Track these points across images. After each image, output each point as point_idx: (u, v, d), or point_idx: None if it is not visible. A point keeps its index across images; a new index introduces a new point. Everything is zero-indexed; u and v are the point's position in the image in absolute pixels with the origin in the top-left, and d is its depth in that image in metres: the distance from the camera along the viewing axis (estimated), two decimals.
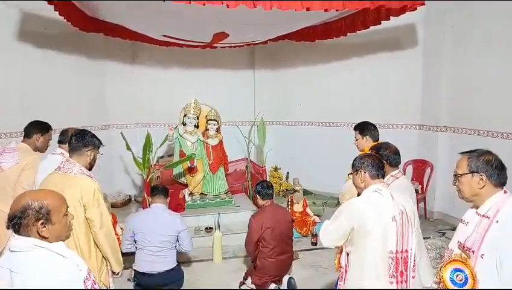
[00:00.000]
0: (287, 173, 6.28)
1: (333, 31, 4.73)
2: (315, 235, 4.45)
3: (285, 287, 3.42)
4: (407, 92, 5.58)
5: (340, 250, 2.14)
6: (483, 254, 1.56)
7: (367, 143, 2.92)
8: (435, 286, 1.78)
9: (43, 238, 1.42)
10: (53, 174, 2.30)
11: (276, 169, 6.23)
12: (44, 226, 1.41)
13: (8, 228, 1.40)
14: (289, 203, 4.95)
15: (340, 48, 5.75)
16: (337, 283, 2.28)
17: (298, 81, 6.36)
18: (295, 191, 4.98)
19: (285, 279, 3.46)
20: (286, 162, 6.31)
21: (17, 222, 1.38)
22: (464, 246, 1.66)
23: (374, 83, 5.76)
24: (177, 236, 3.31)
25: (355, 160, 2.15)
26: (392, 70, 5.59)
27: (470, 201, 1.73)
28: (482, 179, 1.64)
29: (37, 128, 3.07)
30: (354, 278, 2.01)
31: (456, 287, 1.63)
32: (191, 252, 3.63)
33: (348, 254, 2.06)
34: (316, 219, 4.80)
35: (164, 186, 3.62)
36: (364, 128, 2.99)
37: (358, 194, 2.11)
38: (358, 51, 5.78)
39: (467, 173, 1.68)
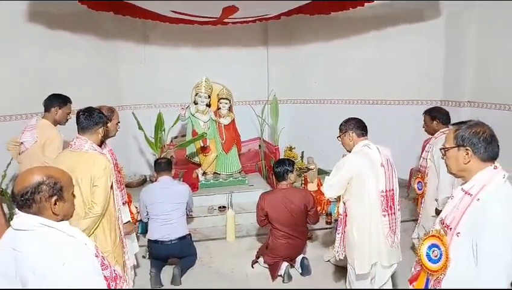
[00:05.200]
0: (302, 152, 6.16)
1: (350, 2, 4.48)
2: (329, 215, 4.38)
3: (299, 267, 3.39)
4: (428, 65, 5.30)
5: (338, 201, 2.64)
6: (459, 233, 1.46)
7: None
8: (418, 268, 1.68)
9: (55, 215, 1.39)
10: (65, 152, 2.40)
11: (290, 148, 6.12)
12: (56, 203, 1.39)
13: (18, 204, 1.35)
14: (303, 182, 4.87)
15: (356, 21, 5.47)
16: (336, 228, 2.66)
17: (313, 57, 6.12)
18: (309, 169, 4.89)
19: (298, 259, 3.42)
20: (301, 142, 6.17)
21: (30, 197, 1.33)
22: (443, 222, 1.57)
23: (393, 57, 5.48)
24: (187, 203, 3.45)
25: (341, 124, 2.62)
26: (412, 43, 5.30)
27: (459, 177, 1.60)
28: (468, 153, 1.50)
29: (55, 101, 3.06)
30: (355, 217, 2.47)
31: (430, 264, 1.56)
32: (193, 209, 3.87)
33: (344, 203, 2.54)
34: (331, 198, 4.69)
35: (167, 159, 3.69)
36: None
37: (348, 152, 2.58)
38: (376, 24, 5.50)
39: (453, 147, 1.55)
